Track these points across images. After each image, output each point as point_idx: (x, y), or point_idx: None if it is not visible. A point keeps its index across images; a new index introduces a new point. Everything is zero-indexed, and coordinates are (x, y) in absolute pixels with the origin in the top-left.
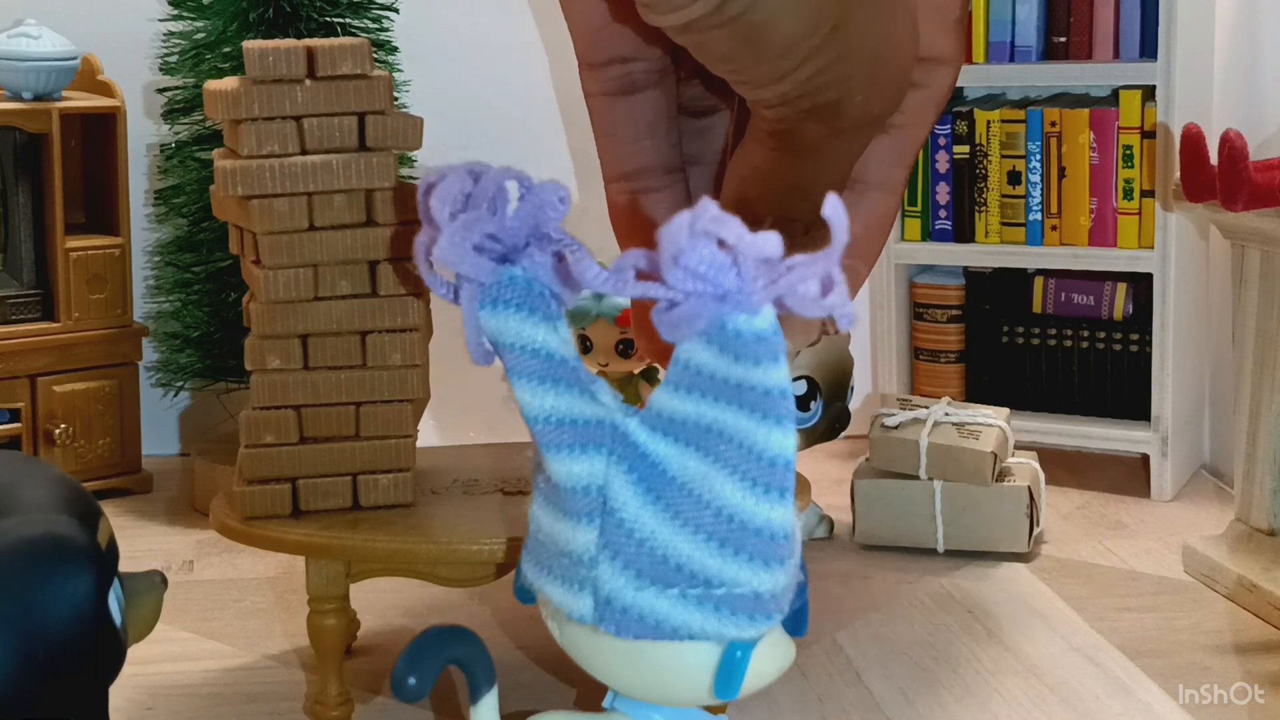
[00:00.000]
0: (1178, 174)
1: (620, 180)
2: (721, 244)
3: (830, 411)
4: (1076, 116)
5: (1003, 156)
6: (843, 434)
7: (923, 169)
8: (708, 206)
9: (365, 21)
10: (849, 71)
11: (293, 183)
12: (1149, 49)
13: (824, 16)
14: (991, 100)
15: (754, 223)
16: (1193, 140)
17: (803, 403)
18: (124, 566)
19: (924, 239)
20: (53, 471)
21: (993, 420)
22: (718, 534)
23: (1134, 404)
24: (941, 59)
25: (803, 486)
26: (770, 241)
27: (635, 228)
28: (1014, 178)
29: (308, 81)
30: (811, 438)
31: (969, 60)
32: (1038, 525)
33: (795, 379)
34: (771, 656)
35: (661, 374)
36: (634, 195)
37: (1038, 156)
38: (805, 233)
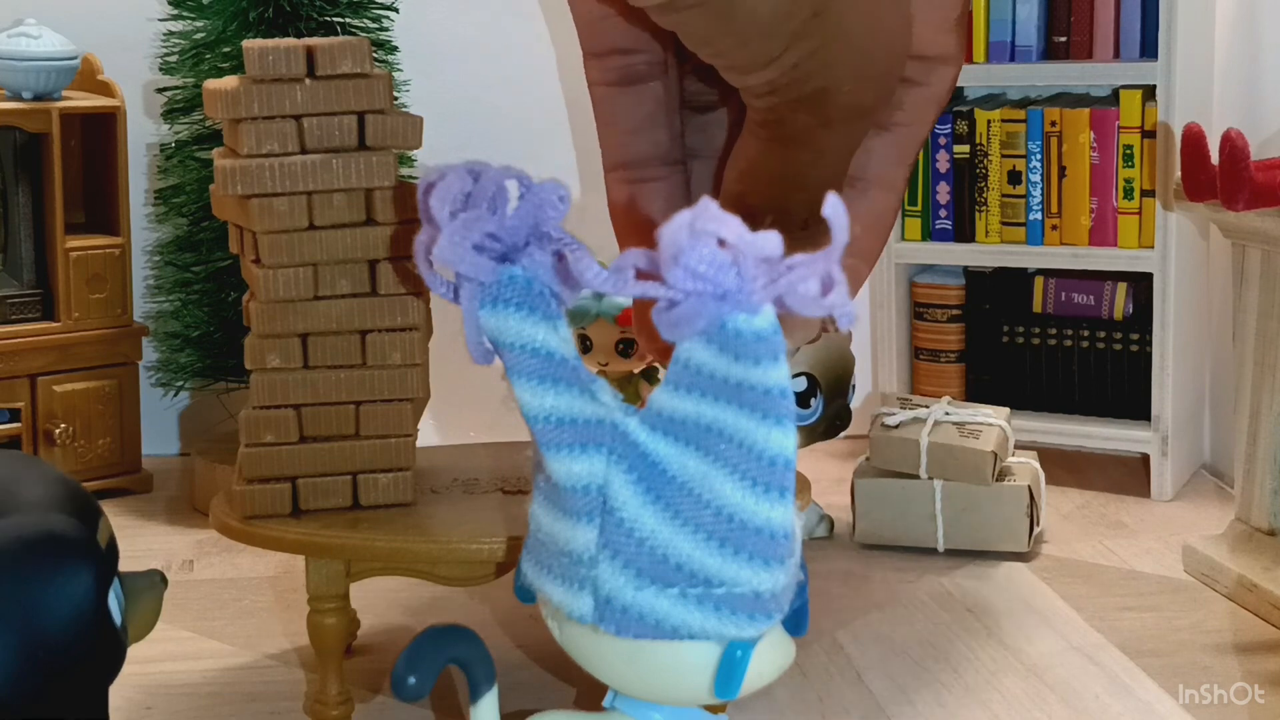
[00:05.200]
0: (1178, 173)
1: (619, 169)
2: (721, 243)
3: (831, 409)
4: (1077, 116)
5: (1003, 156)
6: (843, 433)
7: (923, 169)
8: (708, 205)
9: (365, 21)
10: (834, 60)
11: (292, 182)
12: (1149, 49)
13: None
14: (992, 100)
15: (753, 216)
16: (1194, 139)
17: (802, 399)
18: (124, 566)
19: (924, 238)
20: (52, 471)
21: (993, 420)
22: (718, 533)
23: (1134, 404)
24: (943, 58)
25: (803, 486)
26: (770, 241)
27: (632, 218)
28: (1014, 177)
29: (307, 80)
30: (812, 435)
31: (969, 60)
32: (1038, 525)
33: (795, 376)
34: (771, 656)
35: (662, 373)
36: (631, 185)
37: (1038, 156)
38: (803, 227)
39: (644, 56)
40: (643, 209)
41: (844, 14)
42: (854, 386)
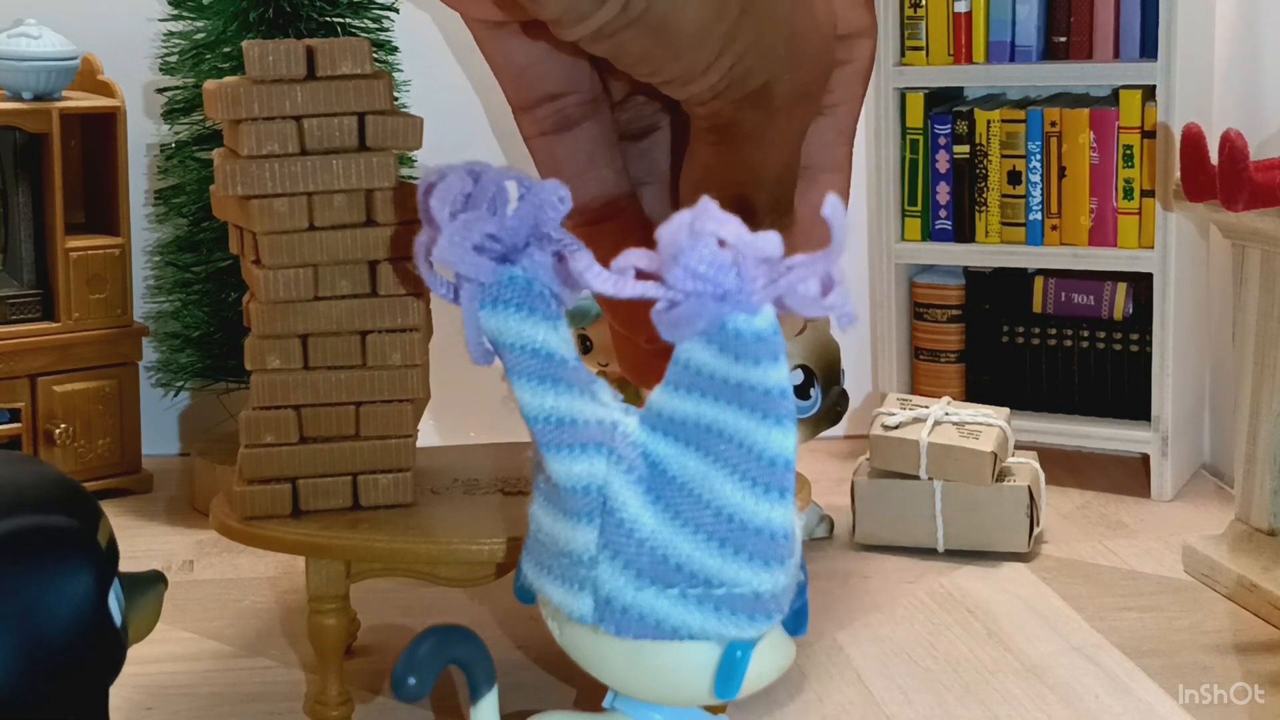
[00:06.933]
0: (1178, 174)
1: (572, 216)
2: (721, 243)
3: (830, 397)
4: (1076, 116)
5: (1003, 156)
6: (843, 424)
7: (923, 169)
8: (707, 205)
9: (365, 21)
10: (769, 52)
11: (293, 183)
12: (1149, 49)
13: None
14: (991, 100)
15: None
16: (1193, 140)
17: (802, 391)
18: (124, 566)
19: (924, 239)
20: (53, 471)
21: (993, 420)
22: (718, 534)
23: (1134, 404)
24: (860, 32)
25: (803, 486)
26: (770, 241)
27: (596, 259)
28: (1014, 177)
29: (308, 81)
30: (816, 426)
31: (969, 60)
32: (1038, 525)
33: (791, 369)
34: (771, 656)
35: None
36: (588, 228)
37: (1038, 156)
38: (771, 224)
39: (574, 98)
40: (604, 249)
41: (771, 6)
42: (844, 371)
